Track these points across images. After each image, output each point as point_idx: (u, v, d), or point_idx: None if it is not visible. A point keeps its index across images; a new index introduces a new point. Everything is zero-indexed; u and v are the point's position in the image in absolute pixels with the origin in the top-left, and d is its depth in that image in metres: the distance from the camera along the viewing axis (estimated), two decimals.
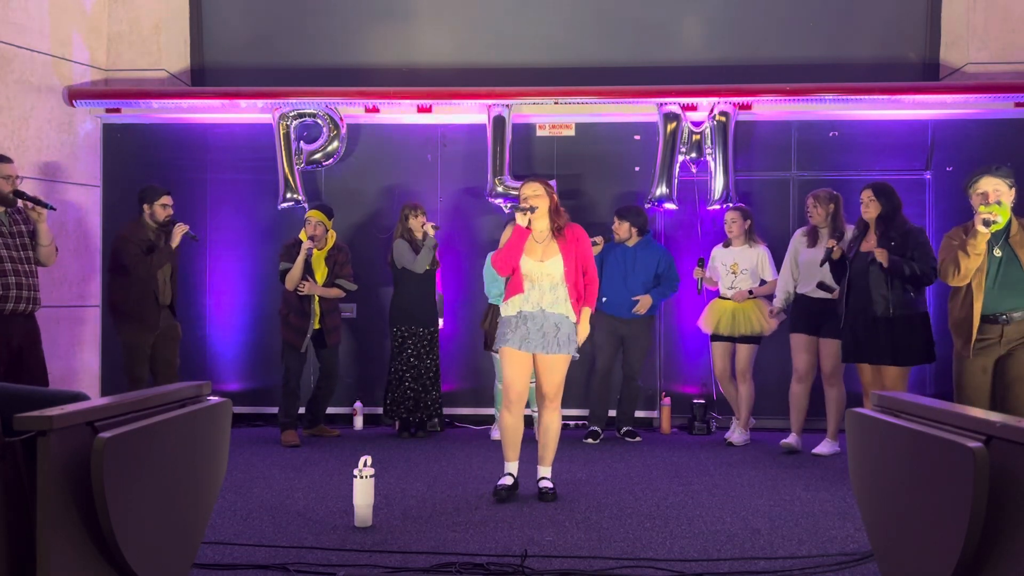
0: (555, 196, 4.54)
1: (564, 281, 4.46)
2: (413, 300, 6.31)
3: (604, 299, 6.22)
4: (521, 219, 4.42)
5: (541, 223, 4.49)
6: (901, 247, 5.19)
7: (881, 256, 5.14)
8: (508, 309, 4.51)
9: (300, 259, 6.06)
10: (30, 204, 4.90)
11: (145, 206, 5.81)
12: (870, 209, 5.36)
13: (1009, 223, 4.34)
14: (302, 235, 6.20)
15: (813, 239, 5.87)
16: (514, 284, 4.48)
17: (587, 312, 4.57)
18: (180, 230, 5.74)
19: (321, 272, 6.19)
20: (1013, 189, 4.41)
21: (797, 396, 5.91)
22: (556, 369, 4.49)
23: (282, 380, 6.19)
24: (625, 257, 6.30)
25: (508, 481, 4.49)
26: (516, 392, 4.49)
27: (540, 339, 4.42)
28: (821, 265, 5.59)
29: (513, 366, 4.48)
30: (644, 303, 6.23)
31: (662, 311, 6.88)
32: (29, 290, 4.83)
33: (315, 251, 6.15)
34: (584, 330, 4.57)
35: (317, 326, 6.17)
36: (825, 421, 5.95)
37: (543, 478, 4.54)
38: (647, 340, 6.45)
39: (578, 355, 4.57)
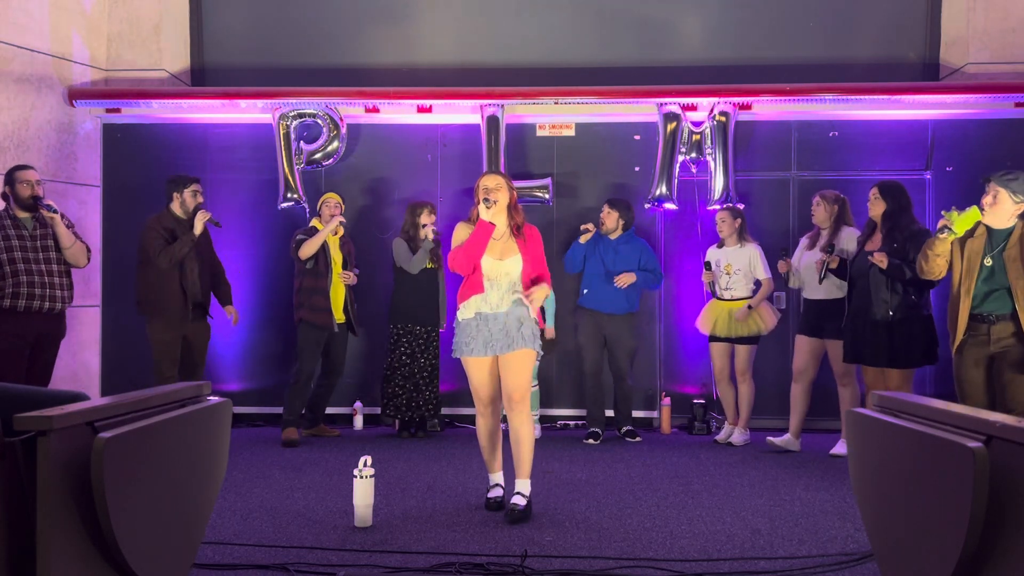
0: (515, 192, 4.31)
1: (520, 281, 4.23)
2: (411, 299, 6.30)
3: (586, 291, 6.27)
4: (485, 213, 4.15)
5: (499, 218, 4.22)
6: (903, 249, 5.15)
7: (879, 259, 5.11)
8: (465, 312, 4.23)
9: (327, 231, 6.06)
10: (44, 210, 5.12)
11: (175, 194, 5.75)
12: (875, 207, 5.36)
13: (1010, 232, 4.26)
14: (316, 223, 6.21)
15: (814, 242, 5.88)
16: (473, 284, 4.21)
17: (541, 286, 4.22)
18: (201, 217, 5.66)
19: (338, 259, 6.23)
20: (1021, 204, 4.24)
21: (794, 397, 5.91)
22: (522, 366, 4.18)
23: (293, 377, 6.15)
24: (608, 250, 6.30)
25: (498, 493, 4.32)
26: (488, 395, 4.28)
27: (503, 338, 4.16)
28: (820, 283, 5.64)
29: (480, 371, 4.24)
30: (626, 278, 6.19)
31: (662, 311, 6.87)
32: (44, 288, 5.09)
33: (330, 236, 6.15)
34: (540, 294, 4.19)
35: (341, 319, 6.23)
36: (835, 421, 5.96)
37: (518, 493, 4.16)
38: (630, 339, 6.39)
39: (543, 352, 4.41)
